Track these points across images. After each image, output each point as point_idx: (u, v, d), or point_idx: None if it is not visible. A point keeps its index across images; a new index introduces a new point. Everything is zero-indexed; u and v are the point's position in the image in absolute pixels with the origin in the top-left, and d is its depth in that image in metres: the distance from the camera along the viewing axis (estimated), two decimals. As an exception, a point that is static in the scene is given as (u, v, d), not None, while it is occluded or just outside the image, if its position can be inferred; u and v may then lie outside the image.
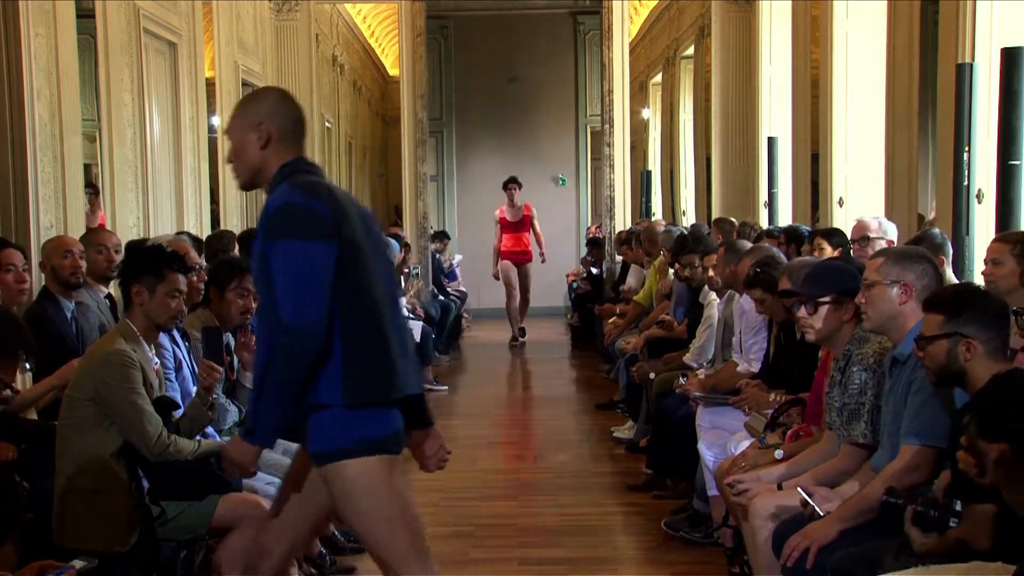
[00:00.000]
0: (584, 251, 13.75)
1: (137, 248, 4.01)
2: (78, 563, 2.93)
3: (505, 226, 12.11)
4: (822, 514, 3.30)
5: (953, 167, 5.19)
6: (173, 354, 4.10)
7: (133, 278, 3.66)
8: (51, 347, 4.14)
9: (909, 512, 2.86)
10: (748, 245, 5.38)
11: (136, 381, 3.49)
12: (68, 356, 4.17)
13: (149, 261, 3.69)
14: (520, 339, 11.93)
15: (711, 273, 5.82)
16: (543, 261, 12.29)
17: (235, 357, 4.49)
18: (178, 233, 6.43)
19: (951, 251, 4.97)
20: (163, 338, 3.97)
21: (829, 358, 3.85)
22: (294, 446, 4.51)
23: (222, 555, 3.65)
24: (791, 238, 6.38)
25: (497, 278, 12.10)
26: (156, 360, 3.78)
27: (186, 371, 4.17)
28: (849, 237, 5.69)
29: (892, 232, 5.45)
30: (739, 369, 5.19)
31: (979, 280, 4.97)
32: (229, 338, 4.49)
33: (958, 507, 2.80)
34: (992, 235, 4.92)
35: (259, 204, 10.33)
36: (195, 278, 4.61)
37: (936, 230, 5.27)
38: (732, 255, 5.38)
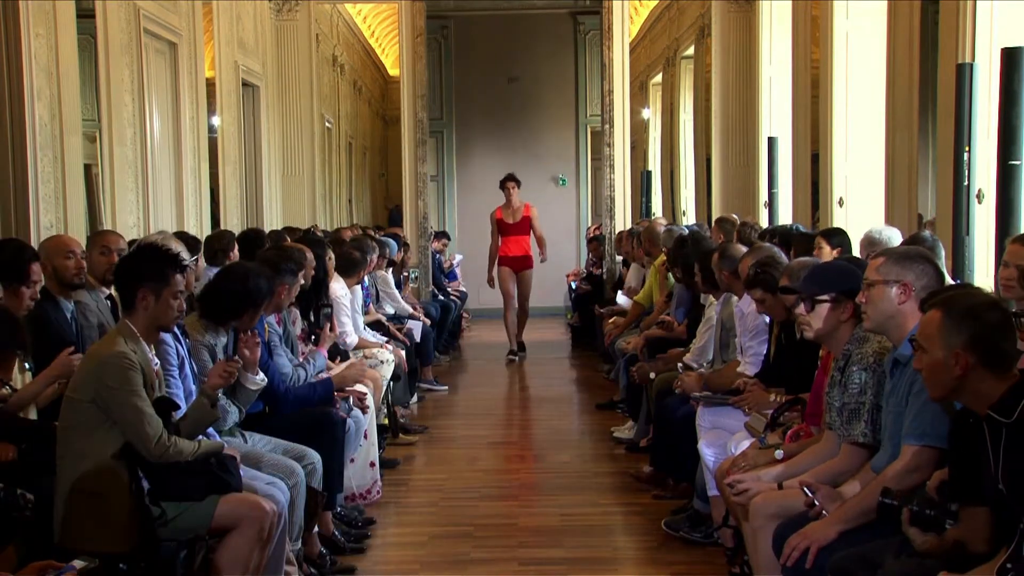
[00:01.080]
0: (584, 251, 13.73)
1: (137, 251, 3.94)
2: (78, 563, 2.93)
3: (502, 229, 11.00)
4: (826, 513, 3.30)
5: (953, 167, 5.19)
6: (176, 352, 4.09)
7: (138, 282, 3.63)
8: (52, 349, 4.12)
9: (905, 513, 2.87)
10: (743, 250, 5.36)
11: (136, 383, 3.48)
12: (70, 358, 4.15)
13: (152, 264, 3.67)
14: (519, 353, 11.01)
15: (696, 278, 5.92)
16: (543, 260, 11.27)
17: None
18: (176, 232, 6.40)
19: (943, 253, 4.95)
20: (167, 336, 3.97)
21: (830, 358, 3.85)
22: (294, 446, 4.54)
23: (222, 555, 3.65)
24: (784, 241, 6.23)
25: (492, 285, 11.15)
26: (156, 360, 3.78)
27: (187, 370, 4.17)
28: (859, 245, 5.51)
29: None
30: (739, 370, 5.19)
31: (979, 280, 4.97)
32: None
33: (954, 507, 2.81)
34: (992, 235, 4.91)
35: (260, 204, 10.41)
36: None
37: (927, 232, 5.24)
38: (727, 261, 5.37)
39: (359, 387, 5.55)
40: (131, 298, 3.64)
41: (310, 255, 5.68)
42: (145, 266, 3.67)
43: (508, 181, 11.00)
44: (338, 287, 6.74)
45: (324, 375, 5.42)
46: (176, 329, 4.08)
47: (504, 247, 11.02)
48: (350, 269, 7.11)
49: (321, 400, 5.05)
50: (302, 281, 5.35)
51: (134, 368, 3.49)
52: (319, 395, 5.04)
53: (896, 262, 3.36)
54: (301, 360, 5.27)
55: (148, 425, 3.48)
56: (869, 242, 5.30)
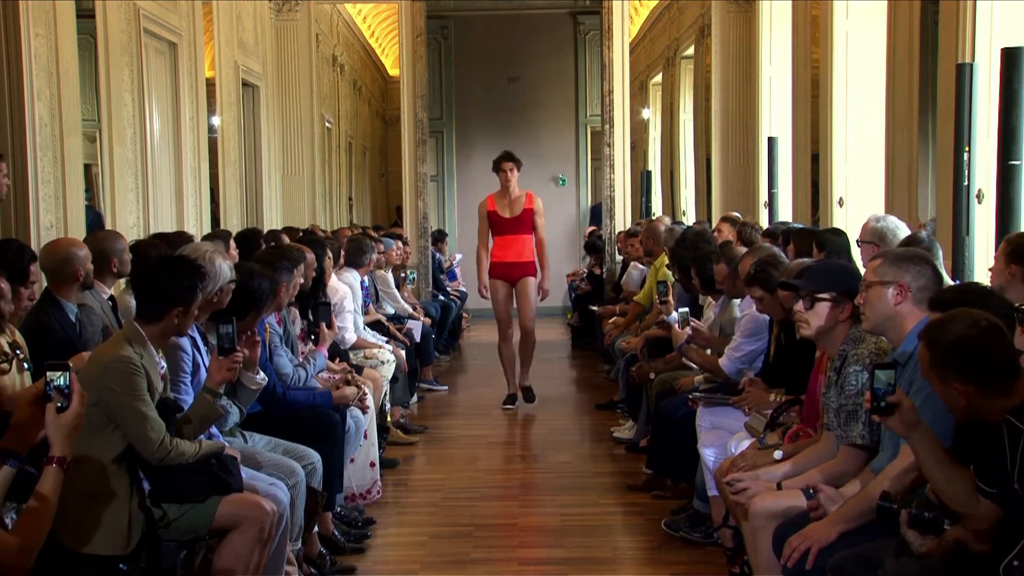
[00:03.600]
0: (583, 252, 13.71)
1: (174, 268, 3.83)
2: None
3: (495, 225, 8.14)
4: (830, 511, 3.29)
5: (953, 167, 5.19)
6: (192, 358, 4.09)
7: (174, 302, 3.58)
8: (57, 353, 4.09)
9: (904, 516, 2.86)
10: (743, 251, 5.36)
11: (141, 388, 3.47)
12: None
13: (189, 283, 3.62)
14: (527, 400, 8.40)
15: (693, 281, 6.08)
16: (542, 297, 8.34)
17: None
18: (177, 232, 6.38)
19: (940, 253, 4.95)
20: (184, 342, 3.97)
21: (824, 359, 3.85)
22: (294, 446, 4.54)
23: (222, 555, 3.65)
24: (787, 240, 6.26)
25: (484, 296, 8.43)
26: (163, 364, 3.76)
27: (203, 374, 4.14)
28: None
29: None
30: (721, 362, 5.23)
31: (979, 279, 4.98)
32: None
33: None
34: (992, 235, 4.92)
35: (260, 204, 10.40)
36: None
37: (923, 233, 5.23)
38: (730, 264, 5.37)
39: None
40: (161, 314, 3.59)
41: (310, 255, 5.69)
42: (184, 285, 3.61)
43: (504, 161, 8.01)
44: (340, 285, 6.75)
45: (324, 375, 5.42)
46: (196, 335, 4.09)
47: (497, 251, 8.19)
48: (359, 258, 7.24)
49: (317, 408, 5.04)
50: (300, 279, 5.35)
51: (138, 372, 3.48)
52: (317, 404, 5.02)
53: (893, 263, 3.37)
54: (301, 360, 5.27)
55: (151, 429, 3.47)
56: (870, 232, 5.26)
